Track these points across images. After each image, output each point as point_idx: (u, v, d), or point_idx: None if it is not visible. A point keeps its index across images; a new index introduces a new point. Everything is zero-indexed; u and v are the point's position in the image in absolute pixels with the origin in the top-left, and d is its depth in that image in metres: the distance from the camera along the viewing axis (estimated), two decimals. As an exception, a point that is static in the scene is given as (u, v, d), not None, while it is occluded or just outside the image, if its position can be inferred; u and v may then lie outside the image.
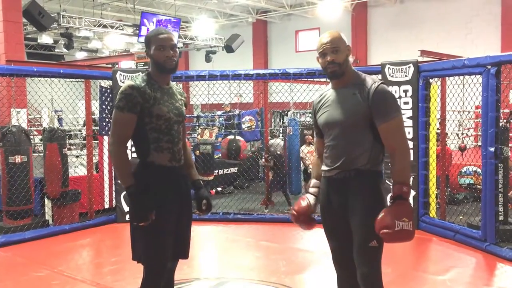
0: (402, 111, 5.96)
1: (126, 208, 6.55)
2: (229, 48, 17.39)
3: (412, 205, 2.49)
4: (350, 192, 2.58)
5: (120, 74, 6.62)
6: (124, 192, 6.41)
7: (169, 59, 2.69)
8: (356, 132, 2.56)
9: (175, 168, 2.75)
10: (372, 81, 2.58)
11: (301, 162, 8.70)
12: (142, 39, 14.60)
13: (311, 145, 8.44)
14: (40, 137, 9.10)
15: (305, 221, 2.80)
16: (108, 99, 6.61)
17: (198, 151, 8.94)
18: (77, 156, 8.75)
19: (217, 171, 9.58)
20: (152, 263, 2.67)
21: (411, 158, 5.90)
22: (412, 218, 2.43)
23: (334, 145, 2.63)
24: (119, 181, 2.71)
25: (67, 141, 7.37)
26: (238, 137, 9.54)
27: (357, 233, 2.56)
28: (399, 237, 2.41)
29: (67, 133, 10.18)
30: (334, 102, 2.64)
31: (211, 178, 9.02)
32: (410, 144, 5.92)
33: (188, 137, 10.57)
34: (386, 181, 2.65)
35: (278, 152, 7.98)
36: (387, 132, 2.51)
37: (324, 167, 2.70)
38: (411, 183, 5.84)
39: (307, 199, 2.79)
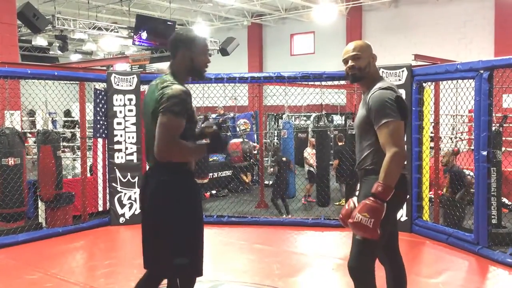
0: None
1: (120, 211, 6.54)
2: (224, 51, 17.39)
3: (385, 208, 2.60)
4: (360, 188, 2.86)
5: (115, 76, 6.61)
6: (118, 195, 6.48)
7: (206, 67, 2.73)
8: (363, 135, 2.81)
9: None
10: (378, 87, 2.75)
11: (305, 163, 8.87)
12: (137, 42, 14.62)
13: (314, 148, 8.56)
14: (33, 139, 9.08)
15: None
16: (103, 102, 6.61)
17: None
18: (74, 160, 8.74)
19: (211, 174, 9.60)
20: (189, 272, 2.66)
21: (405, 162, 5.92)
22: (376, 218, 2.55)
23: (356, 146, 2.95)
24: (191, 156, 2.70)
25: (61, 143, 7.35)
26: (245, 139, 9.77)
27: None
28: (357, 228, 2.59)
29: (61, 135, 10.19)
30: (359, 108, 2.92)
31: (205, 181, 9.05)
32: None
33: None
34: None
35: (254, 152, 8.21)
36: (380, 137, 2.68)
37: None
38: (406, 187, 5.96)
39: (352, 202, 2.89)
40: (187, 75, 2.71)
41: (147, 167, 2.84)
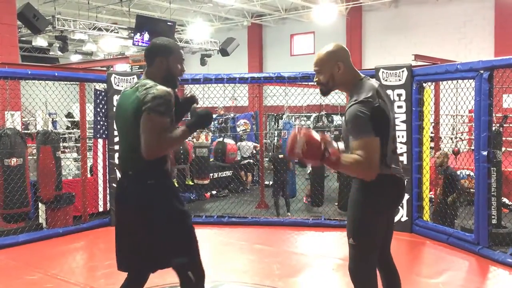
0: (396, 115, 6.00)
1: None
2: (224, 52, 17.41)
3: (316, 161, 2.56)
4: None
5: (115, 77, 6.61)
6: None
7: (181, 76, 2.81)
8: (346, 143, 2.76)
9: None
10: (354, 100, 2.63)
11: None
12: (140, 43, 14.63)
13: None
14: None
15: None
16: (103, 102, 6.61)
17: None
18: (75, 160, 8.74)
19: (211, 174, 9.61)
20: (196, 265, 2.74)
21: (405, 162, 5.92)
22: (306, 157, 2.50)
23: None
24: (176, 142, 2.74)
25: (61, 144, 7.36)
26: (246, 141, 9.89)
27: None
28: (289, 145, 2.54)
29: (65, 136, 10.20)
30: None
31: (206, 182, 9.07)
32: (404, 147, 5.96)
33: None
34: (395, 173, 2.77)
35: (248, 154, 8.19)
36: (354, 149, 2.56)
37: None
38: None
39: (328, 138, 2.69)
40: (162, 83, 2.70)
41: (121, 175, 2.85)
